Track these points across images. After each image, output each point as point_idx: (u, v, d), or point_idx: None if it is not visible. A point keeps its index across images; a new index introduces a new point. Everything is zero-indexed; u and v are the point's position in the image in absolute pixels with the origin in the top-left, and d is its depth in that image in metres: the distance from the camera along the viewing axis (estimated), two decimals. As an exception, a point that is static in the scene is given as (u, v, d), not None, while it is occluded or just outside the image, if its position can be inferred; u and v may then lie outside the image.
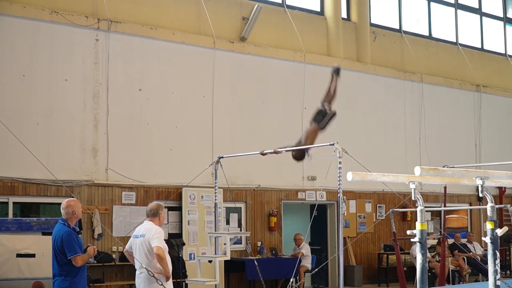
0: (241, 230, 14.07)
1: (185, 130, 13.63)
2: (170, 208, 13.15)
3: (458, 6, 19.65)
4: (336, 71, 9.69)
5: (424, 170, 4.90)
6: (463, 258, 15.79)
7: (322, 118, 9.40)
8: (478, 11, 20.20)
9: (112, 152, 12.65)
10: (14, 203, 11.77)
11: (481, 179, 5.25)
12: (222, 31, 14.43)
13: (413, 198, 5.05)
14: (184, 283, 12.10)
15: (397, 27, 18.10)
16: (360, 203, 16.27)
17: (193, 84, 13.89)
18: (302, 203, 15.48)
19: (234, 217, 14.27)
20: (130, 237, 7.54)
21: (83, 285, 6.95)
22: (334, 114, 9.45)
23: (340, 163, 8.85)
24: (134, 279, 7.38)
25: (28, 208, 12.25)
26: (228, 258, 10.44)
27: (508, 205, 11.89)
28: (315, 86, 15.71)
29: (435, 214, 17.87)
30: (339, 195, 8.87)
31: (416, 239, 4.99)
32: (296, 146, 9.39)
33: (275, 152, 9.65)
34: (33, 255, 9.40)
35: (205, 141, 13.82)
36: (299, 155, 9.42)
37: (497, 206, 5.72)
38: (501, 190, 18.26)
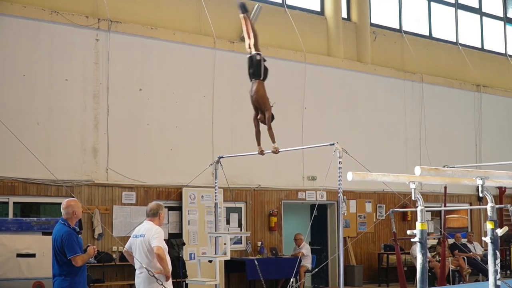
0: (241, 230, 14.07)
1: (185, 130, 13.62)
2: (170, 208, 13.15)
3: (458, 6, 19.64)
4: (242, 8, 9.12)
5: (424, 170, 4.90)
6: (463, 258, 15.78)
7: (258, 69, 9.23)
8: (478, 11, 20.20)
9: (113, 152, 12.65)
10: (14, 203, 11.77)
11: (481, 179, 5.24)
12: (223, 31, 14.42)
13: (413, 198, 5.05)
14: (184, 283, 12.10)
15: (397, 27, 18.10)
16: (360, 203, 16.26)
17: (193, 84, 13.88)
18: (302, 203, 15.47)
19: (234, 217, 14.26)
20: (130, 237, 7.53)
21: (83, 285, 6.94)
22: (263, 58, 9.22)
23: (340, 163, 8.87)
24: (134, 279, 7.37)
25: (28, 208, 12.24)
26: (228, 258, 10.46)
27: (508, 205, 11.90)
28: (315, 86, 15.77)
29: (435, 214, 17.86)
30: (339, 195, 8.88)
31: (416, 239, 4.99)
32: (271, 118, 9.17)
33: (274, 152, 9.43)
34: (33, 255, 9.37)
35: (205, 141, 13.82)
36: (273, 118, 9.23)
37: (497, 206, 5.71)
38: (501, 190, 18.26)
